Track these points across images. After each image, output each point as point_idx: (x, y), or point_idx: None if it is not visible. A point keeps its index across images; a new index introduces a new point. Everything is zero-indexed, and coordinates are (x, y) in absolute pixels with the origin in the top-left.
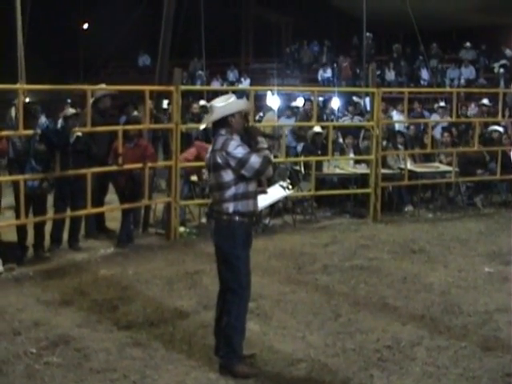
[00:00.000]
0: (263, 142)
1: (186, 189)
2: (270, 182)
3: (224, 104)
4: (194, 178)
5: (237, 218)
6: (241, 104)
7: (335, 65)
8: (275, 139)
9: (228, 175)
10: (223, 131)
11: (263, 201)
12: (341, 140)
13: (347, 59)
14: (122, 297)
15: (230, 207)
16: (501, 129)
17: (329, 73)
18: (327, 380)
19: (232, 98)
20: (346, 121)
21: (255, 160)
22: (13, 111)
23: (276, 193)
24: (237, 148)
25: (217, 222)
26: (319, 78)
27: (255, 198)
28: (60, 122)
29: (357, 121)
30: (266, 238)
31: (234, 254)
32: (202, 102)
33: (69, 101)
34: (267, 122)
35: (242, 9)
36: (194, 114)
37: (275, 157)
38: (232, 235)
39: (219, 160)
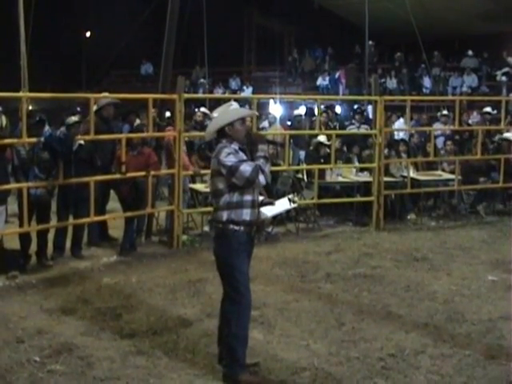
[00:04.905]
0: (263, 151)
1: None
2: (278, 195)
3: (218, 114)
4: (197, 186)
5: (230, 226)
6: (238, 112)
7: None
8: (278, 145)
9: (221, 183)
10: (223, 140)
11: (268, 212)
12: (345, 148)
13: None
14: (125, 305)
15: (224, 215)
16: (510, 135)
17: (328, 80)
18: None
19: (232, 106)
20: (352, 129)
21: (245, 169)
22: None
23: (282, 205)
24: (228, 156)
25: (215, 230)
26: (319, 85)
27: (253, 208)
28: (61, 130)
29: (363, 129)
30: (269, 247)
31: (228, 263)
32: (203, 109)
33: (78, 109)
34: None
35: (245, 17)
36: (197, 122)
37: (278, 165)
38: (226, 243)
39: (214, 167)
